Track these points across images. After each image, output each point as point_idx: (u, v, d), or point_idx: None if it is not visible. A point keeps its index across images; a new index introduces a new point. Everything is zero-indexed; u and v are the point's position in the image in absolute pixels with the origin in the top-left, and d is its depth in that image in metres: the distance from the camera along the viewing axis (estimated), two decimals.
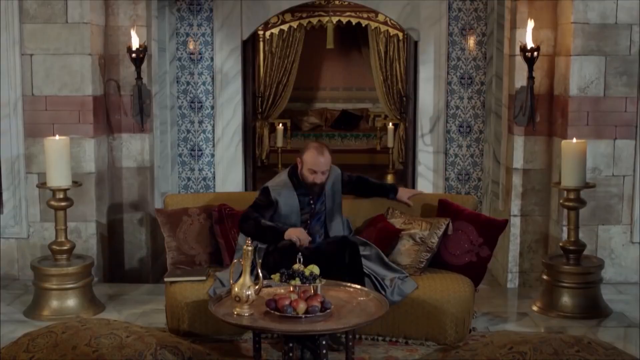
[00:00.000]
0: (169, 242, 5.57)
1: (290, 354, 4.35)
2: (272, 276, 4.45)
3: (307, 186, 5.49)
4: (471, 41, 7.99)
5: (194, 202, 5.82)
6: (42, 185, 5.86)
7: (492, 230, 5.51)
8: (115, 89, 6.74)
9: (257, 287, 4.33)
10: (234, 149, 8.08)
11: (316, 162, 5.45)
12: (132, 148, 6.85)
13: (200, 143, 8.06)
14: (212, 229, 5.58)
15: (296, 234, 5.27)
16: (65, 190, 5.72)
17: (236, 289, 4.32)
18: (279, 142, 12.75)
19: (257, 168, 9.51)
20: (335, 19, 11.47)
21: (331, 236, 5.55)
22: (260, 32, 12.41)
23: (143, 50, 6.44)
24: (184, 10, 7.91)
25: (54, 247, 5.77)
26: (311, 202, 5.58)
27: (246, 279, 4.30)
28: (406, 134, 8.66)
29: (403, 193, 5.86)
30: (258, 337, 4.44)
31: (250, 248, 4.36)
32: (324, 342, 4.25)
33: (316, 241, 5.46)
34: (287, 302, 4.24)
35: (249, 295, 4.29)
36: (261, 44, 13.04)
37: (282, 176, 5.72)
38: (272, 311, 4.25)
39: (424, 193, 5.87)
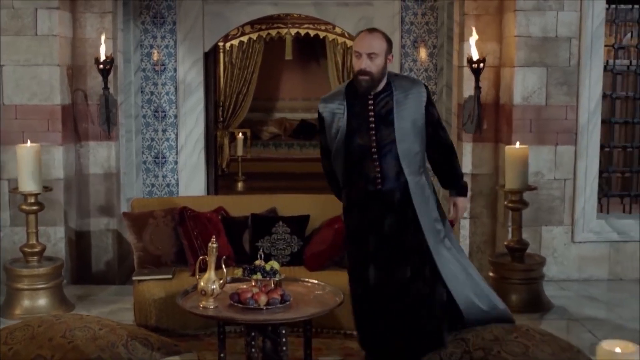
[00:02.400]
0: (135, 243, 5.89)
1: (253, 343, 4.69)
2: (235, 271, 4.81)
3: (356, 81, 4.49)
4: (423, 53, 8.31)
5: (159, 206, 6.14)
6: (14, 190, 6.13)
7: None
8: (82, 99, 7.03)
9: (221, 281, 4.68)
10: (196, 156, 8.32)
11: (358, 41, 4.52)
12: (99, 155, 7.14)
13: (164, 151, 8.28)
14: (176, 230, 5.92)
15: None
16: (36, 195, 6.00)
17: (202, 284, 4.66)
18: (239, 151, 13.04)
19: (218, 176, 9.80)
20: (293, 31, 11.74)
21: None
22: (221, 44, 12.61)
23: (110, 61, 6.76)
24: (148, 23, 8.12)
25: (26, 249, 6.04)
26: (370, 104, 4.52)
27: (211, 274, 4.64)
28: None
29: (460, 204, 4.82)
30: (223, 328, 4.77)
31: (215, 245, 4.71)
32: (283, 332, 4.59)
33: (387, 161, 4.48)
34: (249, 295, 4.56)
35: (214, 289, 4.62)
36: (221, 55, 13.29)
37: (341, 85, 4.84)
38: (236, 304, 4.56)
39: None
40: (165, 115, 8.29)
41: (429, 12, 8.17)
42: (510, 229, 6.45)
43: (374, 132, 4.51)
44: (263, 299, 4.55)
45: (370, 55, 4.41)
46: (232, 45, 13.20)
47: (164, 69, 8.28)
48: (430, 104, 4.60)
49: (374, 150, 4.50)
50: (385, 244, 4.55)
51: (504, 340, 4.54)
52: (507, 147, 6.32)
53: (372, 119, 4.51)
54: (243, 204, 6.30)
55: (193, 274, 5.56)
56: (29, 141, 6.10)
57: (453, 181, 4.78)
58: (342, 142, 4.56)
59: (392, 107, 4.50)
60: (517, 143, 6.32)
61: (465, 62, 6.89)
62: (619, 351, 3.49)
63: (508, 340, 4.53)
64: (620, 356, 3.45)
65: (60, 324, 4.67)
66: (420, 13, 8.20)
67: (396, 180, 4.51)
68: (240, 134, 13.40)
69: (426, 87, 4.63)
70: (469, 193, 6.99)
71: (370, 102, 4.52)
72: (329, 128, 4.62)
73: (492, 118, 7.08)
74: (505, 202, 6.38)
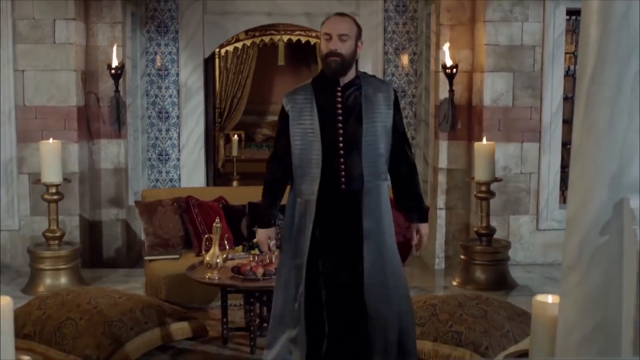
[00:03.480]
0: (146, 228, 6.71)
1: (251, 309, 5.50)
2: (236, 248, 5.61)
3: (325, 64, 4.32)
4: (404, 59, 8.95)
5: (167, 195, 6.97)
6: (37, 182, 6.92)
7: None
8: (94, 101, 7.80)
9: (224, 256, 5.49)
10: (197, 154, 8.98)
11: (329, 23, 4.34)
12: (110, 152, 7.91)
13: (167, 148, 8.94)
14: (182, 217, 6.74)
15: (259, 239, 4.58)
16: (57, 186, 6.80)
17: (207, 258, 5.47)
18: (234, 152, 13.67)
19: (216, 172, 10.54)
20: (285, 38, 12.12)
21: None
22: (216, 50, 13.27)
23: (121, 67, 7.55)
24: (153, 31, 8.80)
25: (48, 234, 6.84)
26: (338, 95, 4.36)
27: (215, 249, 5.45)
28: None
29: (424, 230, 4.55)
30: (225, 296, 5.58)
31: (218, 225, 5.52)
32: None
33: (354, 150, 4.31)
34: (248, 268, 5.37)
35: (218, 262, 5.43)
36: (217, 60, 13.93)
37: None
38: (236, 275, 5.38)
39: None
40: (168, 116, 8.94)
41: (410, 22, 8.83)
42: (480, 217, 7.25)
43: (341, 125, 4.34)
44: (260, 271, 5.34)
45: (341, 37, 4.28)
46: (227, 51, 13.76)
47: (167, 73, 8.91)
48: (397, 111, 4.46)
49: (341, 146, 4.33)
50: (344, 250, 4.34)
51: (466, 305, 5.33)
52: (476, 143, 7.12)
53: (340, 111, 4.34)
54: (241, 194, 7.12)
55: (197, 254, 6.38)
56: (50, 138, 6.88)
57: (415, 203, 4.52)
58: (313, 136, 4.31)
59: (360, 101, 4.34)
60: (485, 139, 7.13)
61: (440, 68, 7.69)
62: (550, 301, 4.32)
63: (470, 306, 5.33)
64: (551, 305, 4.27)
65: (85, 293, 5.47)
66: (401, 23, 8.85)
67: (359, 181, 4.33)
68: (235, 135, 13.99)
69: (395, 91, 4.52)
70: (445, 186, 7.94)
71: (339, 93, 4.36)
72: (294, 124, 4.38)
73: (465, 118, 7.83)
74: (475, 193, 7.19)
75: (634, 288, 3.28)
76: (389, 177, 4.48)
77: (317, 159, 4.31)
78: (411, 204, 4.52)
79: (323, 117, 4.34)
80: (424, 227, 4.53)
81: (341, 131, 4.33)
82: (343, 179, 4.31)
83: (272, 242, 4.52)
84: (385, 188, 4.44)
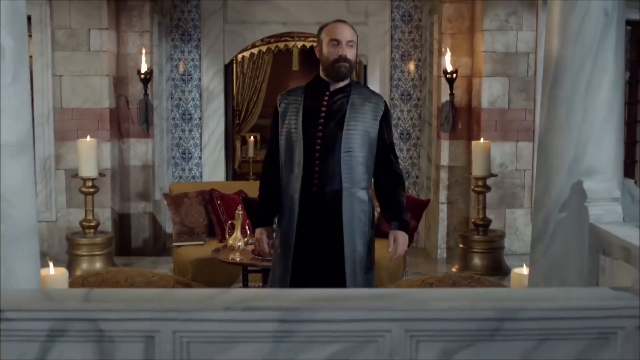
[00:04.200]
0: (174, 217, 7.50)
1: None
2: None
3: (333, 69, 4.43)
4: (409, 65, 9.61)
5: (192, 189, 7.76)
6: (74, 176, 7.72)
7: (417, 207, 7.52)
8: (124, 103, 8.61)
9: (245, 239, 6.27)
10: (217, 153, 9.71)
11: (335, 30, 4.47)
12: (138, 150, 8.72)
13: (190, 148, 9.67)
14: (206, 208, 7.53)
15: (257, 237, 4.64)
16: (93, 180, 7.61)
17: (230, 241, 6.25)
18: (250, 153, 14.37)
19: (234, 170, 11.31)
20: (299, 44, 12.50)
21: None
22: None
23: (150, 72, 8.36)
24: (177, 39, 9.54)
25: (84, 223, 7.65)
26: (325, 99, 4.47)
27: (237, 233, 6.23)
28: None
29: (401, 238, 4.44)
30: (246, 275, 6.35)
31: (240, 212, 6.31)
32: None
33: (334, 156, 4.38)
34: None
35: (239, 245, 6.22)
36: (234, 66, 14.65)
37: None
38: (256, 256, 6.14)
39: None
40: (191, 117, 9.68)
41: (415, 30, 9.54)
42: (477, 209, 8.00)
43: (321, 127, 4.42)
44: None
45: (348, 43, 4.43)
46: (243, 57, 14.51)
47: (190, 78, 9.64)
48: (386, 123, 4.54)
49: (317, 147, 4.41)
50: (322, 251, 4.39)
51: (460, 284, 6.07)
52: (474, 142, 7.88)
53: (322, 114, 4.44)
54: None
55: (220, 241, 7.16)
56: (88, 136, 7.69)
57: (396, 212, 4.49)
58: (296, 136, 4.41)
59: (346, 107, 4.44)
60: (482, 139, 7.88)
61: (442, 73, 8.45)
62: (525, 272, 5.07)
63: (462, 284, 6.07)
64: (526, 276, 5.01)
65: (122, 273, 6.24)
66: (407, 31, 9.55)
67: (334, 185, 4.39)
68: (252, 137, 14.72)
69: (386, 104, 4.59)
70: (446, 182, 8.69)
71: (326, 97, 4.48)
72: (281, 124, 4.52)
73: (465, 119, 8.59)
74: (473, 187, 7.95)
75: (586, 255, 4.05)
76: (369, 187, 4.51)
77: (299, 159, 4.40)
78: (392, 213, 4.49)
79: (307, 119, 4.44)
80: (401, 235, 4.44)
81: (320, 134, 4.41)
82: (316, 181, 4.39)
83: (270, 241, 4.58)
84: (366, 195, 4.46)
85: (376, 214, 4.76)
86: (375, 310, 2.75)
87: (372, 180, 4.54)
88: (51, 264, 5.03)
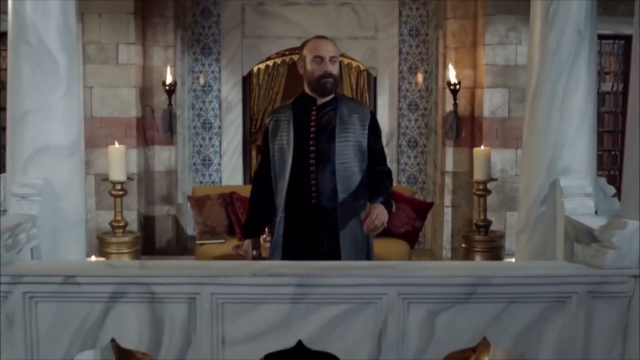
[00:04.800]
0: (197, 218, 8.19)
1: None
2: None
3: (318, 85, 4.59)
4: (417, 77, 10.20)
5: (214, 191, 8.45)
6: (105, 179, 8.42)
7: (422, 208, 8.20)
8: (150, 112, 9.32)
9: (263, 236, 6.93)
10: (235, 160, 10.37)
11: (319, 46, 4.62)
12: (162, 156, 9.43)
13: (210, 155, 10.33)
14: (227, 209, 8.23)
15: (245, 248, 4.86)
16: (122, 183, 8.31)
17: None
18: None
19: (252, 176, 11.96)
20: None
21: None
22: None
23: (174, 84, 9.08)
24: (198, 53, 10.21)
25: (113, 223, 8.34)
26: (313, 114, 4.64)
27: None
28: None
29: (378, 209, 4.35)
30: None
31: None
32: None
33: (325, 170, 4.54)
34: None
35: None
36: (251, 77, 15.29)
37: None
38: None
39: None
40: (211, 126, 10.34)
41: (422, 44, 10.18)
42: (478, 211, 8.65)
43: (313, 142, 4.57)
44: None
45: (332, 59, 4.58)
46: (259, 69, 15.17)
47: (210, 89, 10.30)
48: (374, 133, 4.69)
49: (312, 162, 4.54)
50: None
51: None
52: (475, 148, 8.54)
53: (313, 129, 4.58)
54: None
55: (240, 239, 7.81)
56: (116, 143, 8.39)
57: (379, 192, 4.52)
58: (285, 151, 4.55)
59: (335, 121, 4.58)
60: (483, 145, 8.54)
61: (446, 84, 9.12)
62: (513, 260, 5.70)
63: None
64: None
65: None
66: (414, 45, 10.19)
67: (331, 197, 4.54)
68: None
69: (372, 113, 4.75)
70: (451, 187, 9.34)
71: (314, 112, 4.63)
72: (272, 141, 4.65)
73: (468, 128, 9.24)
74: (474, 190, 8.61)
75: (562, 243, 4.71)
76: (365, 196, 4.63)
77: (293, 174, 4.55)
78: (376, 194, 4.51)
79: (298, 134, 4.58)
80: (378, 206, 4.38)
81: (313, 147, 4.56)
82: (313, 194, 4.53)
83: (256, 252, 4.78)
84: (360, 207, 4.61)
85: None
86: (374, 277, 3.43)
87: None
88: (93, 256, 5.73)
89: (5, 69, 8.78)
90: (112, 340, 3.49)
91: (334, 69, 4.59)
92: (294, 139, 4.58)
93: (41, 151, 4.61)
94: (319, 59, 4.56)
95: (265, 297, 3.40)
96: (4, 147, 8.44)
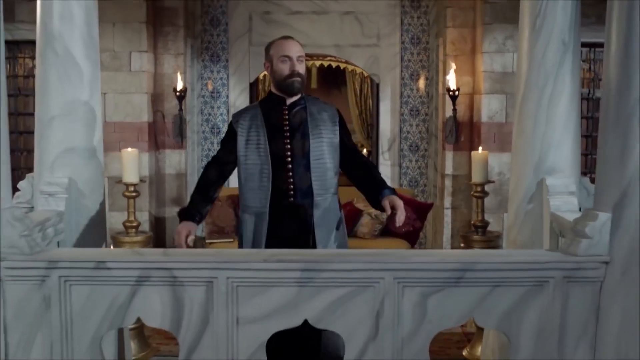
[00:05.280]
0: (206, 218, 8.62)
1: None
2: None
3: (286, 85, 4.72)
4: (418, 84, 10.60)
5: (222, 193, 8.86)
6: (119, 182, 8.84)
7: (422, 209, 8.64)
8: (160, 118, 9.76)
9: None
10: None
11: (285, 46, 4.75)
12: (172, 160, 9.87)
13: None
14: (235, 210, 8.65)
15: (178, 230, 4.76)
16: (135, 185, 8.72)
17: None
18: None
19: None
20: (318, 63, 12.68)
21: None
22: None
23: (184, 90, 9.53)
24: (207, 60, 10.60)
25: (127, 223, 8.73)
26: (285, 113, 4.78)
27: None
28: (371, 152, 11.38)
29: (394, 201, 4.62)
30: None
31: None
32: None
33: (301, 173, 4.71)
34: None
35: None
36: (258, 84, 15.58)
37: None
38: None
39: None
40: (219, 131, 10.66)
41: (423, 51, 10.56)
42: (476, 212, 9.05)
43: (288, 141, 4.69)
44: None
45: (298, 59, 4.69)
46: (264, 75, 15.36)
47: (219, 95, 10.67)
48: (344, 129, 4.87)
49: (288, 160, 4.66)
50: None
51: None
52: (473, 152, 8.92)
53: (286, 127, 4.70)
54: None
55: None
56: (129, 147, 8.81)
57: (380, 187, 4.71)
58: (262, 151, 4.65)
59: (305, 118, 4.75)
60: (480, 149, 8.95)
61: (445, 91, 9.55)
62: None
63: None
64: None
65: None
66: (415, 52, 10.57)
67: (307, 194, 4.68)
68: None
69: (338, 110, 4.95)
70: (451, 189, 9.75)
71: (285, 111, 4.76)
72: (241, 141, 4.72)
73: (467, 132, 9.65)
74: (472, 192, 9.01)
75: (548, 237, 5.13)
76: (337, 191, 4.85)
77: (267, 173, 4.64)
78: (377, 190, 4.71)
79: (271, 134, 4.69)
80: (397, 199, 4.61)
81: (288, 146, 4.69)
82: (291, 192, 4.66)
83: (191, 238, 4.72)
84: (335, 201, 4.84)
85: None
86: (372, 262, 3.85)
87: (344, 180, 4.89)
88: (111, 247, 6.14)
89: (22, 76, 9.31)
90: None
91: (301, 69, 4.71)
92: (268, 139, 4.68)
93: (67, 152, 5.04)
94: (286, 58, 4.68)
95: (275, 281, 3.82)
96: (25, 151, 8.92)
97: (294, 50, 4.71)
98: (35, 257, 3.81)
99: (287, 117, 4.75)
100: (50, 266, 3.80)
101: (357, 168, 4.86)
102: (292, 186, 4.65)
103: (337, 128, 4.80)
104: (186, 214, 4.77)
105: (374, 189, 4.75)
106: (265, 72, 12.11)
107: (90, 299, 3.84)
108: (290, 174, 4.65)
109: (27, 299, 3.80)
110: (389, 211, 4.58)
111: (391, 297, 3.82)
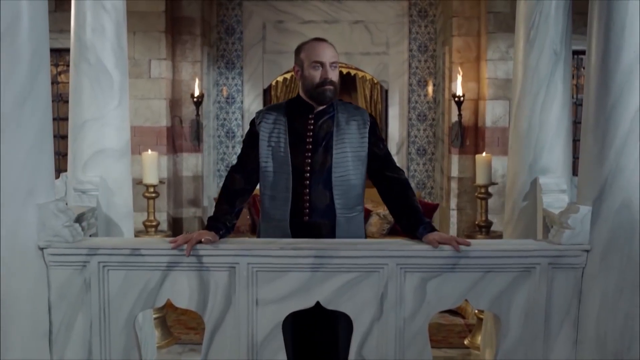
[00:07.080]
0: None
1: None
2: None
3: (317, 93, 4.27)
4: (425, 90, 11.15)
5: None
6: (139, 183, 9.33)
7: (428, 210, 9.11)
8: (178, 122, 10.27)
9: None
10: None
11: (318, 50, 4.27)
12: (190, 163, 10.37)
13: (233, 162, 11.00)
14: (250, 210, 9.14)
15: (200, 233, 4.21)
16: (154, 186, 9.22)
17: None
18: None
19: None
20: None
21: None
22: None
23: (201, 96, 10.03)
24: (222, 67, 11.14)
25: (147, 223, 9.24)
26: (310, 123, 4.35)
27: None
28: None
29: (434, 236, 4.17)
30: None
31: None
32: None
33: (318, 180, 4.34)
34: None
35: None
36: (271, 90, 16.07)
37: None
38: None
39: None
40: (234, 135, 11.23)
41: (430, 59, 11.08)
42: (480, 213, 9.51)
43: (309, 154, 4.33)
44: None
45: (332, 65, 4.24)
46: (277, 82, 15.96)
47: (234, 101, 11.22)
48: (375, 136, 4.40)
49: (307, 175, 4.33)
50: None
51: None
52: (477, 155, 9.40)
53: (309, 139, 4.32)
54: None
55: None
56: (149, 150, 9.31)
57: (416, 218, 4.27)
58: (283, 159, 4.31)
59: (332, 129, 4.32)
60: (484, 152, 9.41)
61: (451, 97, 10.02)
62: None
63: None
64: None
65: None
66: (423, 60, 11.09)
67: (325, 213, 4.39)
68: None
69: (371, 116, 4.45)
70: (456, 191, 10.22)
71: (311, 121, 4.36)
72: (263, 144, 4.35)
73: (472, 136, 10.11)
74: (476, 194, 9.48)
75: (541, 232, 5.60)
76: (363, 206, 4.56)
77: (287, 184, 4.32)
78: (413, 220, 4.30)
79: (293, 144, 4.31)
80: (439, 235, 4.21)
81: (309, 160, 4.33)
82: (307, 210, 4.38)
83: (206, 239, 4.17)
84: (361, 220, 4.55)
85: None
86: (377, 250, 4.32)
87: (377, 193, 4.49)
88: None
89: (59, 83, 9.81)
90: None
91: (334, 76, 4.28)
92: (290, 148, 4.32)
93: (98, 153, 5.56)
94: (318, 65, 4.25)
95: (290, 267, 4.28)
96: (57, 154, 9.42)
97: (328, 55, 4.26)
98: (77, 244, 4.30)
99: (312, 127, 4.35)
100: (91, 253, 4.28)
101: (390, 188, 4.41)
102: (307, 204, 4.35)
103: (366, 139, 4.35)
104: (210, 225, 4.27)
105: (409, 215, 4.35)
106: (278, 79, 13.04)
107: (126, 283, 4.32)
108: (307, 190, 4.32)
109: (69, 283, 4.28)
110: (437, 246, 4.16)
111: (394, 281, 4.28)
